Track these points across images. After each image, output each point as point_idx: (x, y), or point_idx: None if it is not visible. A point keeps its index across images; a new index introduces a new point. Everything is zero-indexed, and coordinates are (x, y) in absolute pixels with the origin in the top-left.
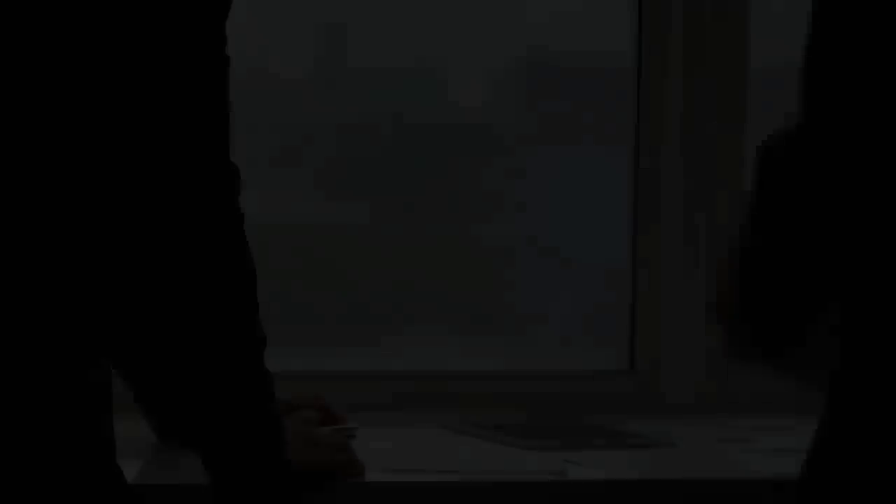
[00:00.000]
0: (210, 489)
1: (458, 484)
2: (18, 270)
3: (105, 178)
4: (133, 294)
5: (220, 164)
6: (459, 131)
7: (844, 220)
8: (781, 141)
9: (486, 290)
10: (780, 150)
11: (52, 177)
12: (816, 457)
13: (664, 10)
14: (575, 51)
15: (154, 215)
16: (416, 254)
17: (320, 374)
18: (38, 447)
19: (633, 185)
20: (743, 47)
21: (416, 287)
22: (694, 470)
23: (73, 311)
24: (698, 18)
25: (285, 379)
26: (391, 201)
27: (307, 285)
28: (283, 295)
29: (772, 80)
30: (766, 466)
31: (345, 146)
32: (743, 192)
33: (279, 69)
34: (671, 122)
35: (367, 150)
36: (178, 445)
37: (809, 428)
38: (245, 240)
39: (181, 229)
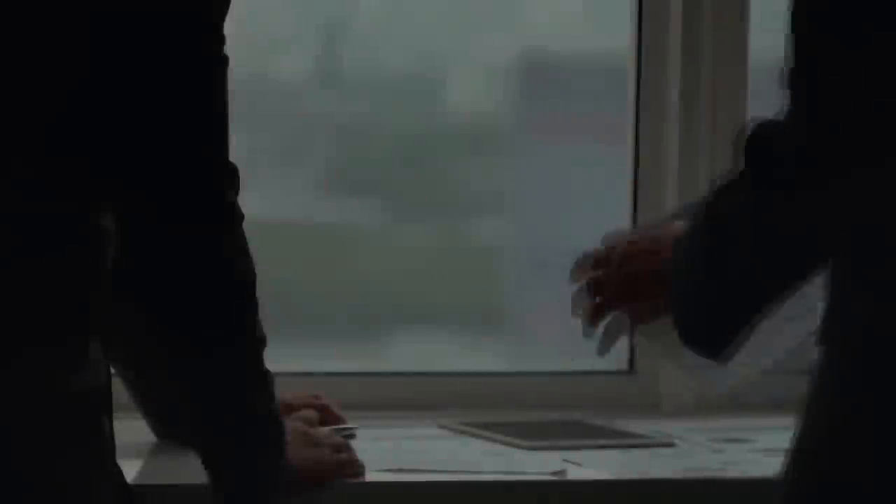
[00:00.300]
0: (210, 489)
1: (458, 484)
2: (18, 272)
3: (102, 178)
4: (132, 294)
5: (219, 164)
6: (459, 131)
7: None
8: (772, 132)
9: (486, 290)
10: (773, 143)
11: (49, 176)
12: (797, 456)
13: (664, 9)
14: (575, 51)
15: (152, 215)
16: (416, 253)
17: (320, 374)
18: (38, 448)
19: (633, 184)
20: (743, 46)
21: (416, 287)
22: (693, 470)
23: (73, 311)
24: (698, 18)
25: (285, 379)
26: (391, 201)
27: (307, 285)
28: (283, 295)
29: (772, 79)
30: (765, 466)
31: (344, 146)
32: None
33: (279, 69)
34: (671, 122)
35: (367, 150)
36: (178, 445)
37: None
38: (245, 240)
39: (179, 229)
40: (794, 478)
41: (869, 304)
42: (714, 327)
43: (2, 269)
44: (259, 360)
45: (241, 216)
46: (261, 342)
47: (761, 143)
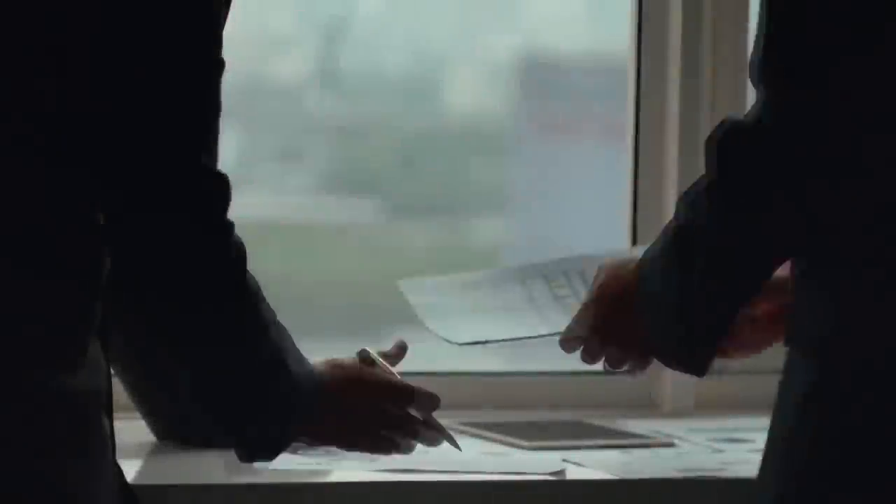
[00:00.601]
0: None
1: (458, 484)
2: (17, 272)
3: (98, 178)
4: (121, 296)
5: (203, 171)
6: (459, 130)
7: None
8: (742, 132)
9: None
10: (743, 142)
11: (47, 176)
12: (768, 456)
13: (664, 9)
14: (575, 51)
15: (135, 218)
16: (416, 253)
17: None
18: (38, 448)
19: (633, 185)
20: (743, 47)
21: None
22: (693, 470)
23: (73, 311)
24: (697, 18)
25: None
26: (391, 200)
27: (306, 285)
28: (282, 294)
29: None
30: None
31: (344, 146)
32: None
33: (279, 69)
34: (671, 122)
35: (367, 150)
36: (178, 445)
37: None
38: (229, 247)
39: (161, 237)
40: (766, 479)
41: (830, 306)
42: (695, 344)
43: (1, 269)
44: (264, 343)
45: (230, 224)
46: (262, 327)
47: (732, 139)
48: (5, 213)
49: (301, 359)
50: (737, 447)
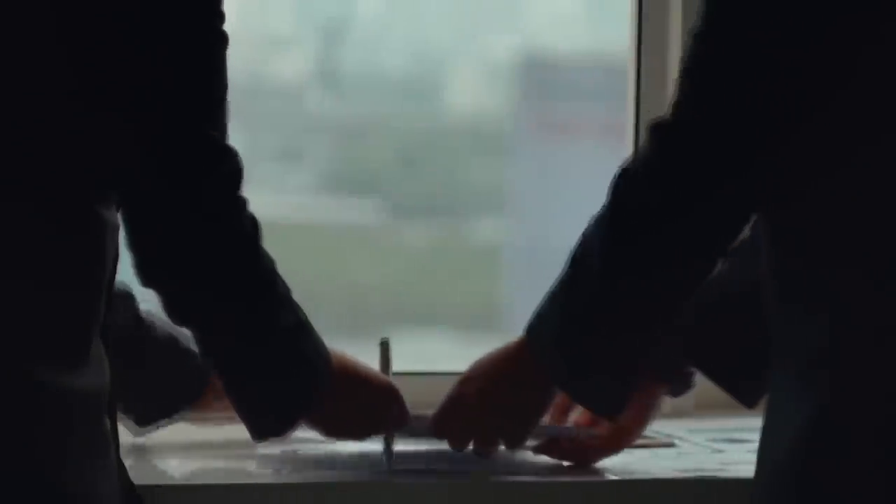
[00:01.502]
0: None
1: (458, 484)
2: (19, 269)
3: (100, 161)
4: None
5: (213, 145)
6: (460, 130)
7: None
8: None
9: (486, 290)
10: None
11: (49, 168)
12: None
13: (664, 9)
14: (575, 50)
15: (147, 196)
16: (416, 253)
17: None
18: (40, 447)
19: None
20: None
21: (416, 287)
22: (693, 470)
23: (75, 309)
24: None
25: None
26: (391, 200)
27: (306, 285)
28: None
29: None
30: None
31: (344, 146)
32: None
33: (279, 69)
34: None
35: (367, 150)
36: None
37: None
38: (243, 221)
39: (173, 211)
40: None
41: (823, 326)
42: (613, 382)
43: (3, 267)
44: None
45: (243, 199)
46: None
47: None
48: (7, 211)
49: (316, 340)
50: (737, 447)
